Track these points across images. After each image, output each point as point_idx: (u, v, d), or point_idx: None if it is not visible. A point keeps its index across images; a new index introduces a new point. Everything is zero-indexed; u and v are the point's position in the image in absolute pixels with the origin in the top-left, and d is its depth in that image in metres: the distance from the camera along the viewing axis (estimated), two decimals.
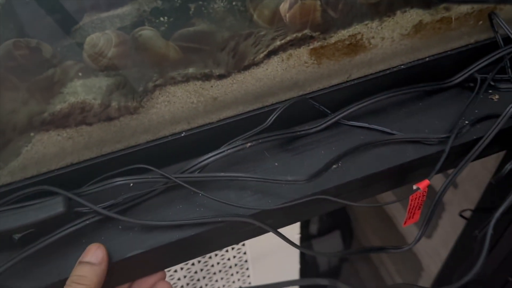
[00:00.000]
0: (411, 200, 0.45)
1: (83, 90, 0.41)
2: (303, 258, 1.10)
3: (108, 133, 0.43)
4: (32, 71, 0.42)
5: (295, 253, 0.81)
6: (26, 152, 0.42)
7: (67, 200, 0.39)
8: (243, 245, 0.72)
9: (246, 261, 0.74)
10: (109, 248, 0.41)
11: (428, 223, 0.46)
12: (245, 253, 0.73)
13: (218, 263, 0.72)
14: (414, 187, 0.43)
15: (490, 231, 0.47)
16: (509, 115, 0.46)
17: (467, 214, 0.75)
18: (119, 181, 0.42)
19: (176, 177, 0.43)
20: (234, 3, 0.49)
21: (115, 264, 0.41)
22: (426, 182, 0.45)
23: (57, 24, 0.48)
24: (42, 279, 0.39)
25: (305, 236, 1.35)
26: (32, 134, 0.41)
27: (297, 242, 0.76)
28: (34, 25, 0.48)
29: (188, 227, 0.43)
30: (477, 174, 0.78)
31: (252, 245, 0.73)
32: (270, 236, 0.46)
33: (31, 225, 0.38)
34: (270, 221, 0.45)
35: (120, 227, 0.43)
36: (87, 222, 0.42)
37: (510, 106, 0.46)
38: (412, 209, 0.46)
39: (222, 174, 0.43)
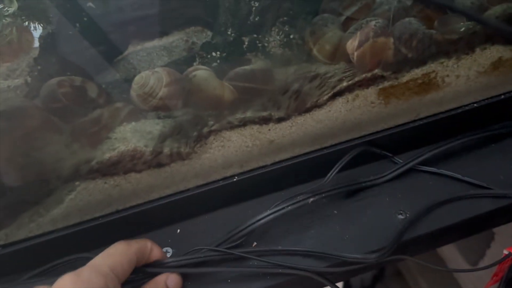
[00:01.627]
0: (500, 265, 0.41)
1: (133, 136, 0.38)
2: None
3: (157, 179, 0.40)
4: (77, 112, 0.39)
5: None
6: (70, 201, 0.39)
7: None
8: None
9: None
10: None
11: None
12: None
13: None
14: (505, 251, 0.39)
15: None
16: None
17: None
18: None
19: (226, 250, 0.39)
20: (291, 36, 0.45)
21: None
22: None
23: (100, 56, 0.45)
24: None
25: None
26: (77, 182, 0.38)
27: None
28: (78, 58, 0.45)
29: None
30: None
31: None
32: None
33: None
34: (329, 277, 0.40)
35: None
36: None
37: None
38: (498, 272, 0.41)
39: (275, 248, 0.39)
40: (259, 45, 0.45)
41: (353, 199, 0.44)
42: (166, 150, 0.38)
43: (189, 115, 0.39)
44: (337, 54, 0.42)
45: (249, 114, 0.39)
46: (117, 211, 0.41)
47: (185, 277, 0.38)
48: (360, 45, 0.39)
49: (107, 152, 0.37)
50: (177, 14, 0.50)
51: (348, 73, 0.39)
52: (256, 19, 0.46)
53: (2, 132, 0.36)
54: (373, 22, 0.39)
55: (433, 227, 0.41)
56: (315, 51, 0.44)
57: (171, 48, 0.48)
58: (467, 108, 0.45)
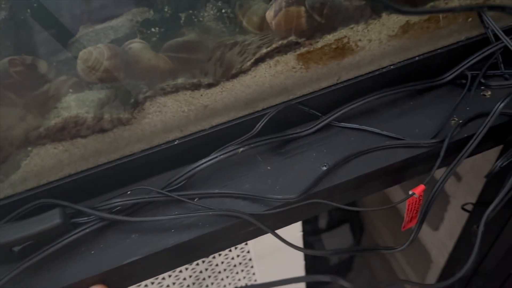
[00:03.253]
0: (408, 205, 0.46)
1: (76, 105, 0.43)
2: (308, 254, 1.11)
3: (103, 144, 0.45)
4: (28, 87, 0.44)
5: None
6: (25, 166, 0.43)
7: (63, 212, 0.41)
8: (246, 244, 0.73)
9: (250, 259, 0.76)
10: (108, 255, 0.42)
11: (420, 227, 0.46)
12: (248, 251, 0.74)
13: (222, 263, 0.73)
14: (410, 192, 0.44)
15: (481, 227, 0.47)
16: (499, 113, 0.46)
17: (470, 207, 0.75)
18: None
19: (167, 192, 0.44)
20: (223, 11, 0.50)
21: (114, 270, 0.42)
22: (421, 187, 0.45)
23: (53, 39, 0.49)
24: None
25: (314, 230, 1.36)
26: (29, 148, 0.43)
27: (300, 239, 0.77)
28: (32, 40, 0.49)
29: (185, 230, 0.44)
30: (479, 166, 0.78)
31: (255, 244, 0.74)
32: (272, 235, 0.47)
33: (29, 237, 0.39)
34: (266, 223, 0.46)
35: (117, 234, 0.45)
36: (87, 230, 0.44)
37: (499, 103, 0.46)
38: (410, 212, 0.46)
39: (212, 191, 0.45)
40: (195, 20, 0.50)
41: (284, 156, 0.49)
42: (107, 116, 0.43)
43: (126, 83, 0.44)
44: (264, 24, 0.47)
45: (180, 80, 0.43)
46: (69, 175, 0.46)
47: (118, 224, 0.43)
48: (275, 14, 0.43)
49: (53, 119, 0.41)
50: None
51: (265, 40, 0.43)
52: None
53: None
54: None
55: (351, 175, 0.46)
56: (244, 23, 0.48)
57: (117, 28, 0.53)
58: (384, 70, 0.50)
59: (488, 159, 0.74)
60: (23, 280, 0.41)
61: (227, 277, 0.77)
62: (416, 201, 0.45)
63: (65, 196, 0.44)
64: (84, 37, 0.53)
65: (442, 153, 0.45)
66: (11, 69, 0.44)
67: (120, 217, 0.44)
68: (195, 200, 0.46)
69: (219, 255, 0.72)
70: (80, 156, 0.45)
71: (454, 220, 0.93)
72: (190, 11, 0.50)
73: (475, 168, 0.79)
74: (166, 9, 0.50)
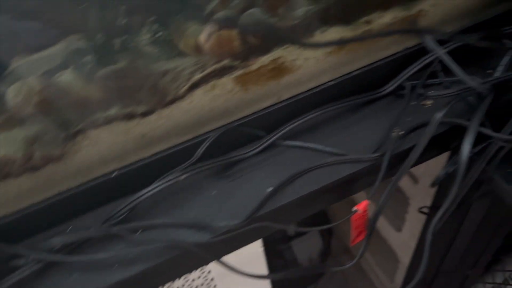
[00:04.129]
0: (353, 221, 0.46)
1: (5, 144, 0.41)
2: (272, 265, 1.10)
3: (37, 181, 0.43)
4: None
5: (263, 264, 0.81)
6: None
7: None
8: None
9: (212, 279, 0.75)
10: None
11: (368, 243, 0.46)
12: (209, 271, 0.73)
13: (183, 286, 0.72)
14: (353, 209, 0.44)
15: (429, 237, 0.48)
16: (438, 122, 0.47)
17: (427, 209, 0.76)
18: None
19: (108, 226, 0.43)
20: (159, 34, 0.49)
21: None
22: (365, 202, 0.45)
23: None
24: None
25: (283, 237, 1.36)
26: None
27: (261, 255, 0.76)
28: None
29: (129, 265, 0.43)
30: (433, 169, 0.79)
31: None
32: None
33: None
34: (212, 251, 0.45)
35: (59, 274, 0.43)
36: (25, 273, 0.42)
37: (438, 113, 0.47)
38: (356, 228, 0.46)
39: (155, 222, 0.43)
40: (130, 45, 0.48)
41: (230, 179, 0.48)
42: (38, 153, 0.41)
43: (57, 117, 0.42)
44: (201, 47, 0.46)
45: (113, 111, 0.42)
46: (4, 216, 0.43)
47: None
48: (207, 38, 0.43)
49: None
50: (58, 23, 0.53)
51: (198, 66, 0.43)
52: (124, 21, 0.49)
53: None
54: (215, 17, 0.43)
55: (296, 195, 0.45)
56: (182, 46, 0.47)
57: (51, 58, 0.51)
58: (324, 86, 0.50)
59: (441, 162, 0.75)
60: None
61: None
62: (360, 216, 0.45)
63: (1, 238, 0.42)
64: (17, 70, 0.50)
65: (383, 168, 0.45)
66: None
67: (59, 257, 0.42)
68: (139, 232, 0.45)
69: (179, 278, 0.70)
70: (15, 195, 0.43)
71: (415, 221, 0.94)
72: (125, 36, 0.49)
73: (430, 171, 0.80)
74: (99, 36, 0.48)
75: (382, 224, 1.14)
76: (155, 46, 0.48)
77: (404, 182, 0.92)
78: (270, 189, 0.46)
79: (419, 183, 0.87)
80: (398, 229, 1.04)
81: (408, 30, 0.44)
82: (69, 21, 0.52)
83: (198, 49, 0.46)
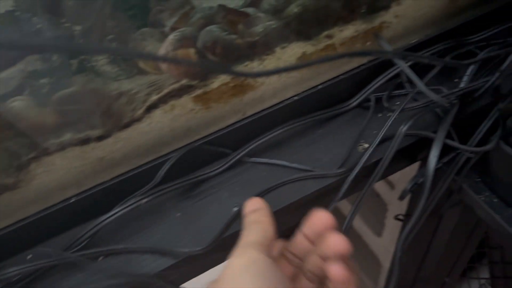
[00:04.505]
0: None
1: None
2: None
3: None
4: None
5: None
6: None
7: None
8: None
9: None
10: None
11: None
12: None
13: None
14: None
15: (398, 253, 0.47)
16: (403, 135, 0.46)
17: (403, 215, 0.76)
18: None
19: (69, 254, 0.41)
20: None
21: None
22: None
23: None
24: None
25: None
26: None
27: None
28: None
29: None
30: (408, 174, 0.79)
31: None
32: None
33: None
34: (174, 277, 0.43)
35: None
36: None
37: (402, 127, 0.46)
38: None
39: (117, 247, 0.42)
40: (88, 65, 0.47)
41: (195, 200, 0.47)
42: None
43: (9, 145, 0.40)
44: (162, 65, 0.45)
45: (67, 136, 0.41)
46: None
47: None
48: (168, 55, 0.41)
49: None
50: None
51: (155, 87, 0.41)
52: (81, 41, 0.47)
53: None
54: (171, 36, 0.42)
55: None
56: (141, 64, 0.46)
57: (7, 81, 0.49)
58: (288, 101, 0.49)
59: (414, 168, 0.75)
60: None
61: None
62: None
63: None
64: None
65: (347, 183, 0.45)
66: None
67: None
68: (100, 259, 0.43)
69: None
70: None
71: (393, 227, 0.94)
72: (82, 57, 0.47)
73: (405, 177, 0.80)
74: (55, 58, 0.47)
75: (363, 229, 1.14)
76: (113, 65, 0.47)
77: (381, 188, 0.92)
78: (236, 208, 0.45)
79: (395, 189, 0.86)
80: (379, 234, 1.04)
81: (362, 53, 0.44)
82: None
83: (159, 66, 0.45)
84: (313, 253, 0.34)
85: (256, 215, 0.36)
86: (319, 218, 0.34)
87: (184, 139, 0.47)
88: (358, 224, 1.13)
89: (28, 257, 0.45)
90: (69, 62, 0.47)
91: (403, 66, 0.46)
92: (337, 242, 0.31)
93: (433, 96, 0.44)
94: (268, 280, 0.30)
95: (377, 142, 0.48)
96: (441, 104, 0.45)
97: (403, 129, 0.46)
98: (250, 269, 0.30)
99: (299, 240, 0.36)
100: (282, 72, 0.33)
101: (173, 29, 0.48)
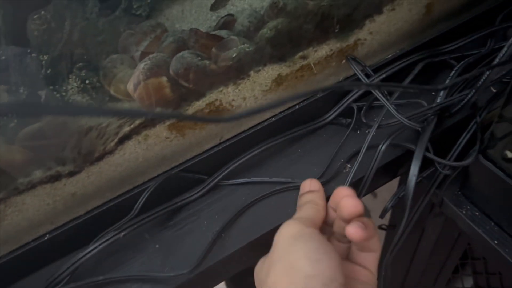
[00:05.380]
0: None
1: None
2: None
3: None
4: None
5: None
6: None
7: None
8: None
9: None
10: None
11: None
12: None
13: None
14: None
15: (382, 272, 0.47)
16: (382, 154, 0.46)
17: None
18: None
19: None
20: (88, 81, 0.46)
21: None
22: None
23: None
24: None
25: None
26: None
27: None
28: None
29: None
30: (391, 183, 0.79)
31: None
32: None
33: None
34: None
35: None
36: None
37: (381, 146, 0.46)
38: None
39: (97, 279, 0.41)
40: (57, 95, 0.45)
41: (173, 229, 0.46)
42: None
43: None
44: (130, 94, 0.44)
45: (37, 174, 0.39)
46: None
47: None
48: (135, 88, 0.40)
49: None
50: None
51: (126, 118, 0.40)
52: (48, 71, 0.46)
53: None
54: (141, 65, 0.40)
55: (245, 236, 0.44)
56: (112, 92, 0.45)
57: None
58: (266, 123, 0.48)
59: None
60: None
61: None
62: None
63: None
64: None
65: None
66: None
67: None
68: None
69: None
70: None
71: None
72: (51, 87, 0.46)
73: (387, 186, 0.80)
74: (21, 90, 0.45)
75: None
76: (84, 94, 0.46)
77: (364, 197, 0.91)
78: (214, 234, 0.44)
79: (377, 197, 0.87)
80: None
81: (336, 87, 0.43)
82: None
83: (129, 94, 0.44)
84: (337, 218, 0.38)
85: (312, 195, 0.41)
86: (339, 191, 0.37)
87: (160, 167, 0.46)
88: None
89: None
90: (37, 93, 0.46)
91: (378, 95, 0.46)
92: (349, 205, 0.34)
93: (404, 120, 0.44)
94: (319, 244, 0.33)
95: (358, 162, 0.47)
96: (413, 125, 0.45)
97: (382, 148, 0.46)
98: (302, 237, 0.33)
99: (328, 211, 0.40)
100: (251, 116, 0.32)
101: (144, 54, 0.47)
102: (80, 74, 0.47)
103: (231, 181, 0.48)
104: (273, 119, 0.48)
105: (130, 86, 0.41)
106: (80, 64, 0.47)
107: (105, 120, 0.39)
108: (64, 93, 0.46)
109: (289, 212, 0.44)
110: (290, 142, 0.50)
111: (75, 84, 0.46)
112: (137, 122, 0.40)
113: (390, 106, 0.45)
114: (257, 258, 0.45)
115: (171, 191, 0.46)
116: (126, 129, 0.40)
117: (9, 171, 0.40)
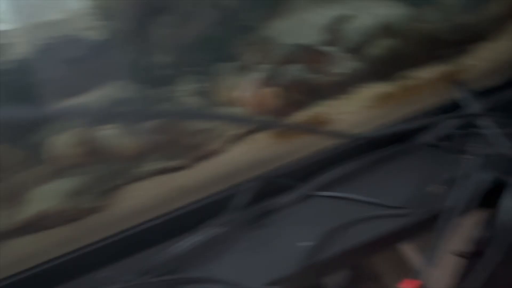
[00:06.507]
0: None
1: (47, 196, 0.42)
2: None
3: (76, 231, 0.44)
4: None
5: None
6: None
7: None
8: None
9: None
10: None
11: None
12: None
13: None
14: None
15: None
16: (479, 183, 0.45)
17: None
18: None
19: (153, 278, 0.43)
20: (201, 85, 0.49)
21: None
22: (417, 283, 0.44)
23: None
24: None
25: None
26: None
27: None
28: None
29: None
30: None
31: None
32: None
33: None
34: None
35: None
36: None
37: (481, 176, 0.45)
38: None
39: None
40: (171, 95, 0.49)
41: (261, 231, 0.48)
42: (78, 205, 0.42)
43: (100, 171, 0.43)
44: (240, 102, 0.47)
45: (153, 165, 0.43)
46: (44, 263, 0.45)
47: None
48: (246, 95, 0.43)
49: (23, 214, 0.41)
50: (99, 70, 0.54)
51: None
52: (167, 72, 0.50)
53: None
54: (255, 75, 0.43)
55: (338, 249, 0.45)
56: (221, 98, 0.48)
57: (89, 105, 0.52)
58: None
59: None
60: None
61: None
62: None
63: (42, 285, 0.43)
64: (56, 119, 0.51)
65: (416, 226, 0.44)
66: None
67: None
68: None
69: None
70: (57, 243, 0.44)
71: (450, 260, 0.91)
72: (167, 87, 0.50)
73: None
74: (140, 87, 0.49)
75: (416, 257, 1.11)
76: (194, 97, 0.49)
77: None
78: (309, 243, 0.45)
79: None
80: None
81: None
82: (110, 70, 0.53)
83: (237, 102, 0.47)
84: None
85: None
86: None
87: (258, 170, 0.48)
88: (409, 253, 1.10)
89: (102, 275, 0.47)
90: (154, 91, 0.50)
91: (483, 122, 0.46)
92: None
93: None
94: None
95: (451, 185, 0.47)
96: None
97: (482, 177, 0.45)
98: None
99: None
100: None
101: (252, 64, 0.49)
102: (194, 78, 0.50)
103: (322, 193, 0.49)
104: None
105: (241, 94, 0.44)
106: (195, 68, 0.51)
107: (218, 122, 0.43)
108: (178, 94, 0.50)
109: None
110: (382, 160, 0.51)
111: (187, 87, 0.50)
112: (246, 127, 0.43)
113: (492, 134, 0.45)
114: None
115: (264, 194, 0.49)
116: (235, 132, 0.43)
117: (127, 160, 0.44)
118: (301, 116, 0.45)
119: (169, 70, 0.50)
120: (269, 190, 0.49)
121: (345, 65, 0.44)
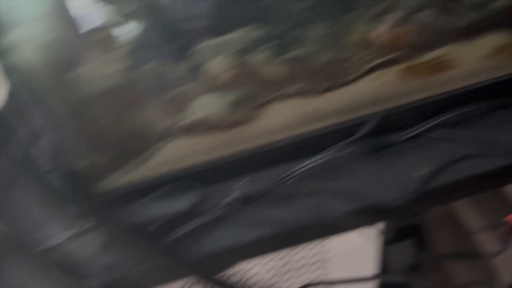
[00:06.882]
0: None
1: (206, 106, 0.50)
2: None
3: (225, 139, 0.52)
4: (166, 89, 0.52)
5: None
6: (161, 154, 0.51)
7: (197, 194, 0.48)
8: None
9: (326, 259, 0.81)
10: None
11: None
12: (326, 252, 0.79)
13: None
14: None
15: None
16: None
17: None
18: None
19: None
20: (330, 29, 0.56)
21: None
22: None
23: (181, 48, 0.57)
24: None
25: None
26: (166, 139, 0.51)
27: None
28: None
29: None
30: None
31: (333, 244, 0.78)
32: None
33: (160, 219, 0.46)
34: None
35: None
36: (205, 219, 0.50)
37: None
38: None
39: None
40: (303, 35, 0.56)
41: (379, 161, 0.53)
42: (232, 116, 0.50)
43: (247, 89, 0.51)
44: (368, 42, 0.53)
45: (294, 88, 0.50)
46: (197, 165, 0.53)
47: None
48: (381, 35, 0.49)
49: (187, 118, 0.50)
50: (237, 15, 0.62)
51: (372, 56, 0.49)
52: (302, 16, 0.56)
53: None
54: (394, 15, 0.49)
55: (448, 180, 0.50)
56: (351, 40, 0.54)
57: (234, 41, 0.60)
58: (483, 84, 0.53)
59: None
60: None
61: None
62: None
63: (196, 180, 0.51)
64: (205, 47, 0.60)
65: None
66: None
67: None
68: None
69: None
70: (206, 149, 0.52)
71: None
72: (302, 29, 0.56)
73: None
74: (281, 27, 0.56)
75: (475, 219, 1.09)
76: (325, 39, 0.56)
77: None
78: (426, 169, 0.50)
79: None
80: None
81: None
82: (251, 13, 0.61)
83: (366, 44, 0.53)
84: None
85: None
86: None
87: (378, 105, 0.54)
88: (471, 216, 1.08)
89: (247, 179, 0.54)
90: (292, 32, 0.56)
91: None
92: None
93: None
94: None
95: None
96: None
97: None
98: None
99: None
100: None
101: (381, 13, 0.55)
102: (324, 22, 0.56)
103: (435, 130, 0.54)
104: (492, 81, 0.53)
105: (377, 32, 0.50)
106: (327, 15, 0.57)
107: (355, 54, 0.49)
108: (309, 35, 0.56)
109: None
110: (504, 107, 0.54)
111: (319, 30, 0.56)
112: (380, 60, 0.49)
113: None
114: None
115: (385, 127, 0.54)
116: (367, 66, 0.50)
117: (273, 83, 0.51)
118: (428, 56, 0.50)
119: (304, 14, 0.57)
120: (392, 125, 0.54)
121: (473, 13, 0.49)
